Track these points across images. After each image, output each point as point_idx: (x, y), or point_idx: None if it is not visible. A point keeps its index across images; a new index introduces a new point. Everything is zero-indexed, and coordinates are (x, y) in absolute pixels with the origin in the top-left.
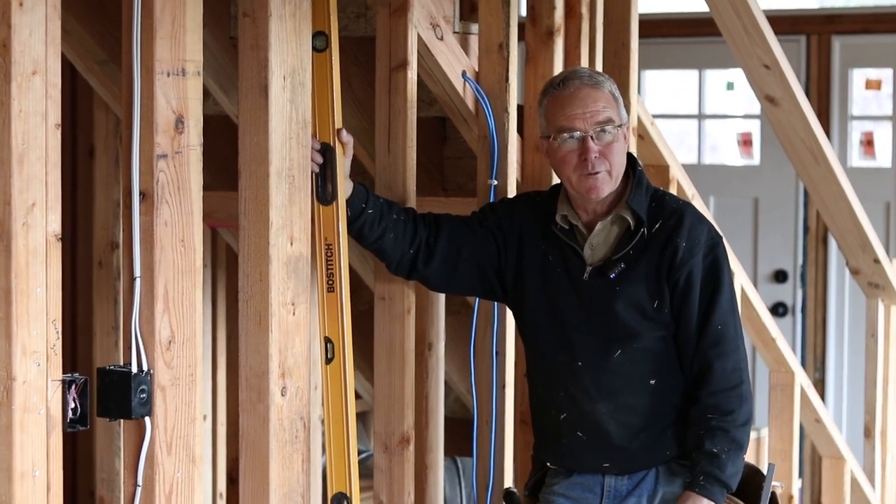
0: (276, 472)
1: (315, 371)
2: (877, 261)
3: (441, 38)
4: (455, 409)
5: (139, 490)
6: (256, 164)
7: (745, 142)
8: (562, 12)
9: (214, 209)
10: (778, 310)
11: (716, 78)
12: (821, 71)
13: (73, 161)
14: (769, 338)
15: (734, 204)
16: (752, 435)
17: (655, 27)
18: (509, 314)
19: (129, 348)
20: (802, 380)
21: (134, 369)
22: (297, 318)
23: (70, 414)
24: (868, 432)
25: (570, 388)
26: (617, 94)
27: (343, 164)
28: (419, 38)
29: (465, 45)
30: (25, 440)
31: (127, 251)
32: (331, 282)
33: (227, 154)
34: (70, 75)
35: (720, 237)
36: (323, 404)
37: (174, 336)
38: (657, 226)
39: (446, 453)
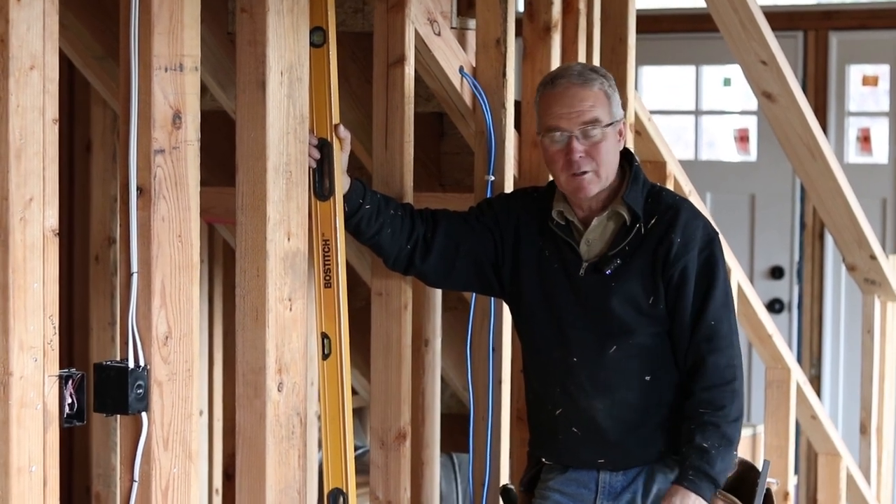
0: (273, 467)
1: (312, 367)
2: (873, 257)
3: (438, 34)
4: (451, 405)
5: (135, 486)
6: (254, 160)
7: (742, 138)
8: (559, 8)
9: (211, 205)
10: (774, 306)
11: (713, 74)
12: (818, 67)
13: (69, 156)
14: (765, 334)
15: (731, 200)
16: (748, 431)
17: (653, 23)
18: (506, 310)
19: (126, 344)
20: (798, 376)
21: (131, 365)
22: (293, 314)
23: (67, 409)
24: (864, 429)
25: (565, 383)
26: (610, 91)
27: (340, 160)
28: (417, 33)
29: (462, 41)
30: (22, 435)
31: (124, 246)
32: (328, 277)
33: (224, 149)
34: (67, 71)
35: (716, 233)
36: (319, 400)
37: (171, 331)
38: (653, 221)
39: (442, 449)
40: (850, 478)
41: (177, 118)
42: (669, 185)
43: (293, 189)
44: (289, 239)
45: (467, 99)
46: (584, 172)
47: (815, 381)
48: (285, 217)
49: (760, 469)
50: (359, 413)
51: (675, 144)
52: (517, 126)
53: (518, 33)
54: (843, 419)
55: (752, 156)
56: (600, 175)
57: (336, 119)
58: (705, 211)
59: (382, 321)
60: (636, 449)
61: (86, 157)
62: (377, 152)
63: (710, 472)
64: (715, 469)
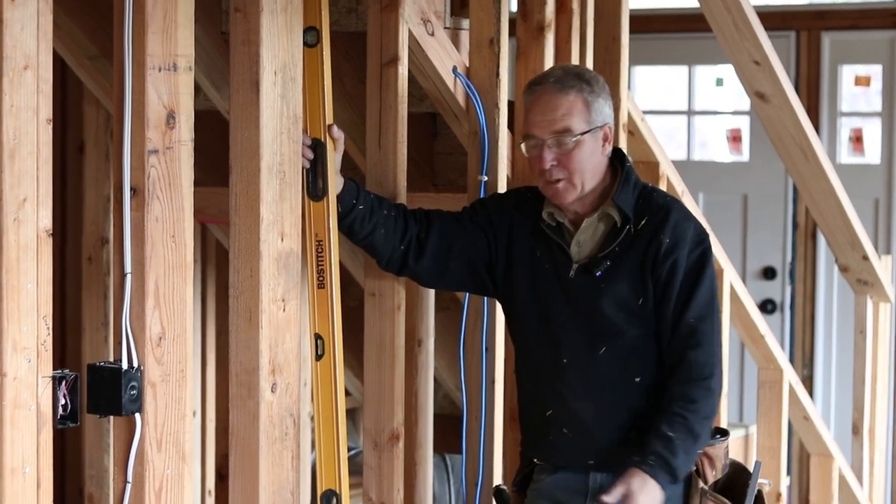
0: (266, 468)
1: (305, 367)
2: (865, 258)
3: (432, 34)
4: (444, 405)
5: (129, 487)
6: (247, 160)
7: (735, 138)
8: (553, 7)
9: (205, 205)
10: (767, 306)
11: (705, 74)
12: (810, 67)
13: (62, 157)
14: (758, 334)
15: (723, 200)
16: (741, 432)
17: (646, 22)
18: (499, 310)
19: (120, 344)
20: (791, 377)
21: (124, 366)
22: (287, 315)
23: (60, 410)
24: (856, 429)
25: (556, 384)
26: (590, 97)
27: (334, 160)
28: (410, 33)
29: (455, 41)
30: (16, 436)
31: (117, 247)
32: (321, 278)
33: (217, 149)
34: (60, 70)
35: (706, 234)
36: (313, 401)
37: (164, 332)
38: (643, 222)
39: (435, 450)
40: (842, 479)
41: (171, 118)
42: (662, 186)
43: (287, 189)
44: (282, 239)
45: (461, 99)
46: (558, 181)
47: (808, 382)
48: (279, 217)
49: (752, 470)
50: (352, 414)
51: (667, 145)
52: (510, 126)
53: (511, 33)
54: (835, 420)
55: (745, 156)
56: (574, 183)
57: (330, 119)
58: (698, 211)
59: (376, 321)
60: (626, 450)
61: (78, 158)
62: (371, 152)
63: (671, 461)
64: (676, 460)
